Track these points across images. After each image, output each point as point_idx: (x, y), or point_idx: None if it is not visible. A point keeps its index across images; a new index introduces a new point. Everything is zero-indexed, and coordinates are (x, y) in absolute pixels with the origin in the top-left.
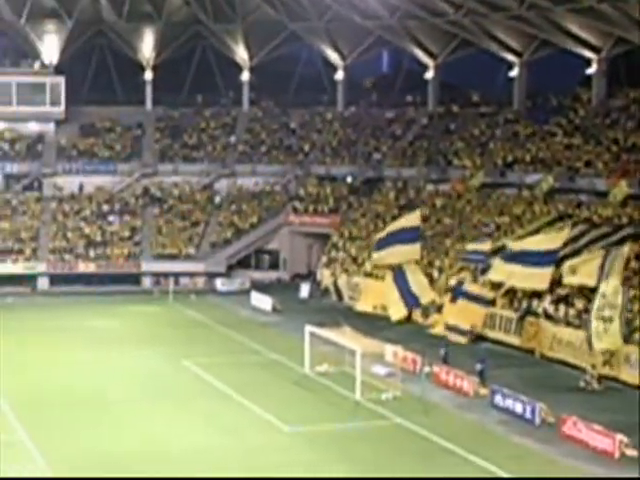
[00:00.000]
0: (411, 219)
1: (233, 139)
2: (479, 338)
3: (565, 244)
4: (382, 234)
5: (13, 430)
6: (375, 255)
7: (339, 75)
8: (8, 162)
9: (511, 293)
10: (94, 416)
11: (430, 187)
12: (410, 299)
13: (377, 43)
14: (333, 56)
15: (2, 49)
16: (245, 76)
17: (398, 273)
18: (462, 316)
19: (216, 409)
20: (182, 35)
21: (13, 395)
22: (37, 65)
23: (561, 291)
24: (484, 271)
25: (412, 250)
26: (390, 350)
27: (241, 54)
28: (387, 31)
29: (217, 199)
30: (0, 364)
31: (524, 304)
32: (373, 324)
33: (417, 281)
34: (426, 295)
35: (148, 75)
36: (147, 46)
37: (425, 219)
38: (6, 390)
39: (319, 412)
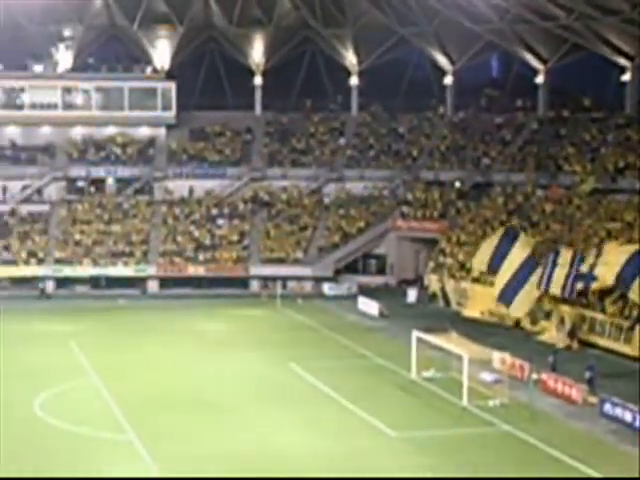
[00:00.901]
0: (521, 249)
1: (342, 141)
2: (587, 345)
3: None
4: (503, 282)
5: (122, 431)
6: (511, 309)
7: (448, 80)
8: (120, 166)
9: (622, 301)
10: (202, 418)
11: (539, 192)
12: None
13: (487, 47)
14: (442, 60)
15: (115, 54)
16: (354, 81)
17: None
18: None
19: (323, 413)
20: (292, 40)
21: (122, 396)
22: (149, 70)
23: None
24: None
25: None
26: (498, 357)
27: (350, 59)
28: (497, 35)
29: (326, 200)
30: (110, 365)
31: (635, 312)
32: (481, 330)
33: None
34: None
35: (258, 80)
36: (257, 51)
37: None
38: (116, 391)
39: (425, 417)
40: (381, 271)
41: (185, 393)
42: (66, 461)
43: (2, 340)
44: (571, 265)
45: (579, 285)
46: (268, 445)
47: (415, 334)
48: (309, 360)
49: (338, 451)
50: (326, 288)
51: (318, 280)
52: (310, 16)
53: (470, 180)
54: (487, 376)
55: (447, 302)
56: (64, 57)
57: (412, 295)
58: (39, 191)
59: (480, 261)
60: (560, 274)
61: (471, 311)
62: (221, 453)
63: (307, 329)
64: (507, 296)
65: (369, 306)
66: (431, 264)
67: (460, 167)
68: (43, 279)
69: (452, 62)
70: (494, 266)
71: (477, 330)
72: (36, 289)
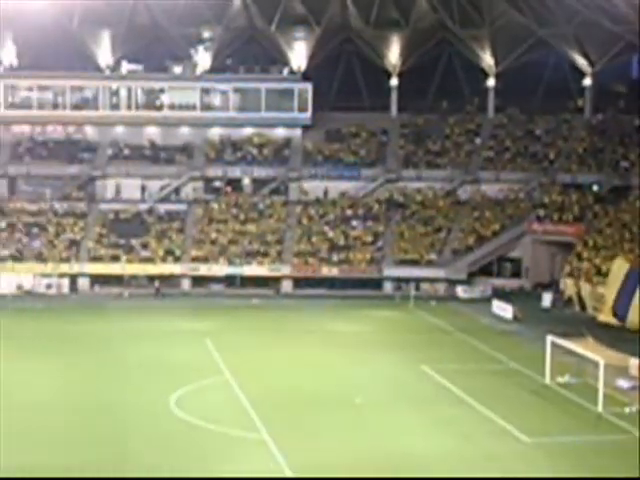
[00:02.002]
0: (619, 267)
1: (478, 141)
2: None
3: None
4: (612, 297)
5: (255, 429)
6: (628, 322)
7: (587, 81)
8: (256, 166)
9: None
10: (333, 417)
11: None
12: None
13: (627, 48)
14: (581, 62)
15: (253, 56)
16: (491, 82)
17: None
18: None
19: (454, 415)
20: (428, 41)
21: (256, 395)
22: (286, 71)
23: None
24: None
25: None
26: (635, 363)
27: (487, 60)
28: (637, 36)
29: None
30: (244, 364)
31: None
32: (617, 336)
33: None
34: None
35: (394, 81)
36: (393, 52)
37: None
38: (249, 390)
39: (559, 423)
40: (516, 274)
41: (317, 393)
42: (199, 458)
43: (140, 337)
44: None
45: None
46: (399, 446)
47: (550, 339)
48: (441, 362)
49: (469, 454)
50: (460, 290)
51: (452, 282)
52: (447, 17)
53: (608, 183)
54: (623, 383)
55: (583, 307)
56: (203, 58)
57: (547, 299)
58: (177, 190)
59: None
60: None
61: (607, 317)
62: (352, 453)
63: (440, 331)
64: (620, 310)
65: (503, 309)
66: (567, 268)
67: (598, 170)
68: (158, 278)
69: (591, 63)
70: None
71: (613, 336)
72: (172, 286)
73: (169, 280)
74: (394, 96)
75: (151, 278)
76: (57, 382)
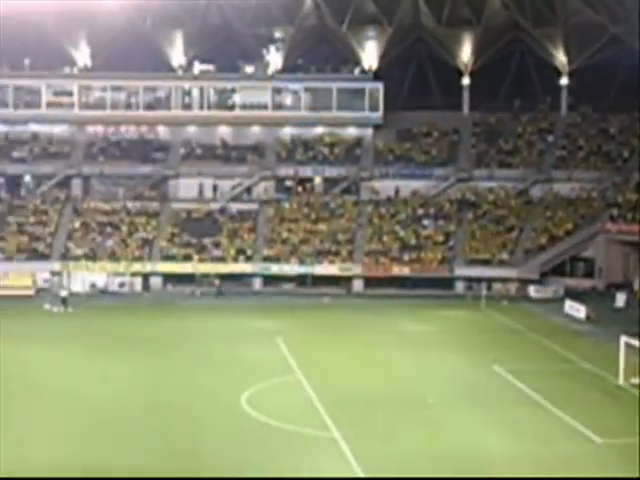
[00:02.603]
0: None
1: (551, 140)
2: None
3: None
4: None
5: (326, 428)
6: None
7: None
8: (327, 166)
9: None
10: (404, 417)
11: None
12: None
13: None
14: None
15: (324, 55)
16: (564, 81)
17: None
18: None
19: (526, 416)
20: (500, 40)
21: (327, 394)
22: (357, 71)
23: None
24: None
25: None
26: None
27: (560, 58)
28: None
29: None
30: (315, 363)
31: None
32: None
33: None
34: None
35: (465, 80)
36: (465, 51)
37: None
38: (320, 388)
39: (633, 425)
40: (589, 274)
41: (388, 393)
42: (270, 456)
43: (212, 335)
44: None
45: None
46: (471, 446)
47: (624, 339)
48: (514, 363)
49: (542, 455)
50: (532, 290)
51: (524, 282)
52: (520, 15)
53: None
54: None
55: None
56: (274, 58)
57: (621, 299)
58: (248, 190)
59: None
60: None
61: None
62: (423, 453)
63: (512, 331)
64: None
65: (576, 310)
66: None
67: None
68: (217, 277)
69: None
70: None
71: None
72: (243, 285)
73: (239, 279)
74: (466, 95)
75: (219, 277)
76: (129, 381)
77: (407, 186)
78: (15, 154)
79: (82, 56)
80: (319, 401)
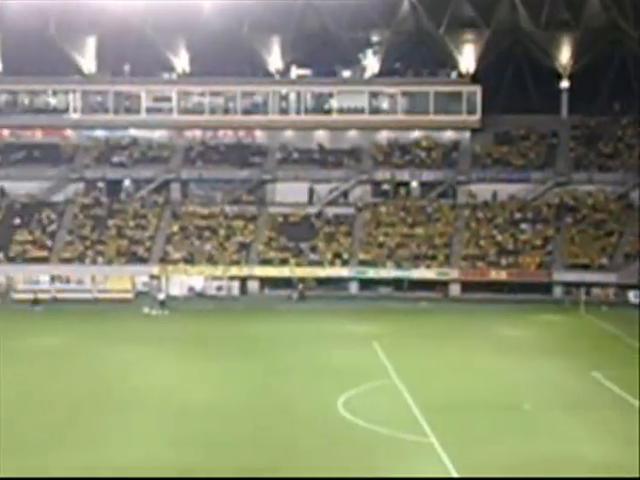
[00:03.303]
0: None
1: None
2: None
3: None
4: None
5: (423, 433)
6: None
7: None
8: (424, 170)
9: None
10: (503, 423)
11: None
12: None
13: None
14: None
15: (421, 58)
16: None
17: None
18: None
19: (625, 423)
20: (600, 42)
21: (423, 398)
22: (454, 74)
23: None
24: None
25: None
26: None
27: None
28: None
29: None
30: (412, 367)
31: None
32: None
33: None
34: None
35: (564, 83)
36: (564, 54)
37: None
38: (417, 393)
39: None
40: None
41: (485, 398)
42: (367, 460)
43: (309, 339)
44: None
45: None
46: (568, 452)
47: None
48: (613, 369)
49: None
50: (631, 296)
51: (623, 287)
52: (620, 17)
53: None
54: None
55: None
56: (371, 62)
57: None
58: (345, 194)
59: None
60: None
61: None
62: (520, 459)
63: (611, 337)
64: None
65: None
66: None
67: None
68: (301, 282)
69: None
70: None
71: None
72: (340, 289)
73: (336, 283)
74: (565, 98)
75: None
76: (226, 383)
77: (505, 190)
78: (115, 159)
79: (181, 62)
80: (415, 406)
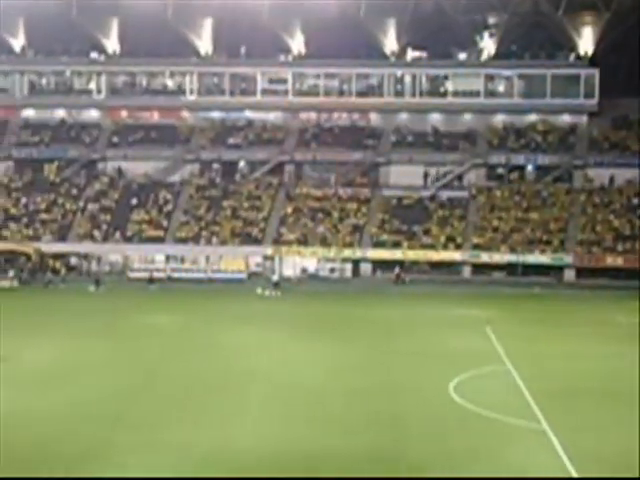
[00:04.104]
0: None
1: None
2: None
3: None
4: None
5: (536, 420)
6: None
7: None
8: (540, 154)
9: None
10: (618, 411)
11: None
12: None
13: None
14: None
15: (538, 41)
16: None
17: None
18: None
19: None
20: None
21: (537, 385)
22: (572, 57)
23: None
24: None
25: None
26: None
27: None
28: None
29: None
30: (524, 353)
31: None
32: None
33: None
34: None
35: None
36: None
37: None
38: (529, 379)
39: None
40: None
41: (600, 385)
42: (477, 445)
43: (420, 322)
44: None
45: None
46: None
47: None
48: None
49: None
50: None
51: None
52: None
53: None
54: None
55: None
56: (488, 45)
57: None
58: (459, 177)
59: None
60: None
61: None
62: (635, 449)
63: None
64: None
65: None
66: None
67: None
68: (400, 265)
69: None
70: None
71: None
72: (453, 273)
73: (449, 267)
74: None
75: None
76: (336, 364)
77: (622, 175)
78: (230, 140)
79: (296, 44)
80: (528, 391)
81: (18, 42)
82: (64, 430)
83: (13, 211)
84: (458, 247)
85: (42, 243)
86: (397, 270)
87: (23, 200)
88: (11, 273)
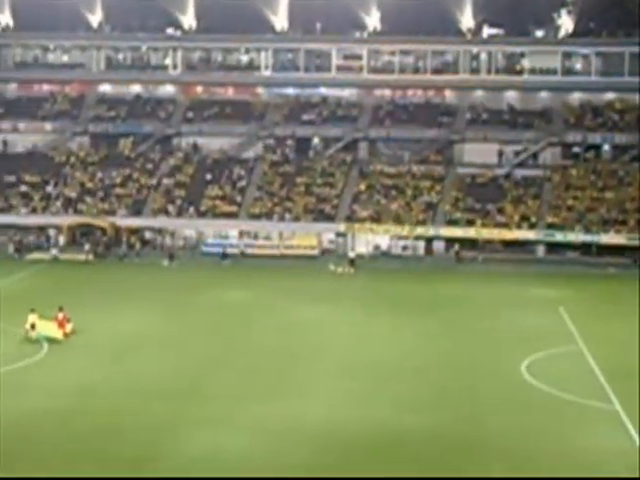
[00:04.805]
0: None
1: None
2: None
3: None
4: None
5: (608, 400)
6: None
7: None
8: (617, 133)
9: None
10: None
11: None
12: None
13: None
14: None
15: (616, 19)
16: None
17: None
18: None
19: None
20: None
21: (609, 365)
22: None
23: None
24: None
25: None
26: None
27: None
28: None
29: None
30: (598, 334)
31: None
32: None
33: None
34: None
35: None
36: None
37: None
38: (602, 360)
39: None
40: None
41: None
42: (549, 425)
43: (494, 301)
44: None
45: None
46: None
47: None
48: None
49: None
50: None
51: None
52: None
53: None
54: None
55: None
56: (565, 22)
57: None
58: (534, 156)
59: None
60: None
61: None
62: None
63: None
64: None
65: None
66: None
67: None
68: (458, 243)
69: None
70: None
71: None
72: (527, 252)
73: (524, 246)
74: None
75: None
76: (409, 342)
77: None
78: (305, 117)
79: (372, 20)
80: (601, 373)
81: (95, 18)
82: (140, 402)
83: (89, 185)
84: (532, 226)
85: (117, 217)
86: (456, 247)
87: (99, 174)
88: (87, 247)
